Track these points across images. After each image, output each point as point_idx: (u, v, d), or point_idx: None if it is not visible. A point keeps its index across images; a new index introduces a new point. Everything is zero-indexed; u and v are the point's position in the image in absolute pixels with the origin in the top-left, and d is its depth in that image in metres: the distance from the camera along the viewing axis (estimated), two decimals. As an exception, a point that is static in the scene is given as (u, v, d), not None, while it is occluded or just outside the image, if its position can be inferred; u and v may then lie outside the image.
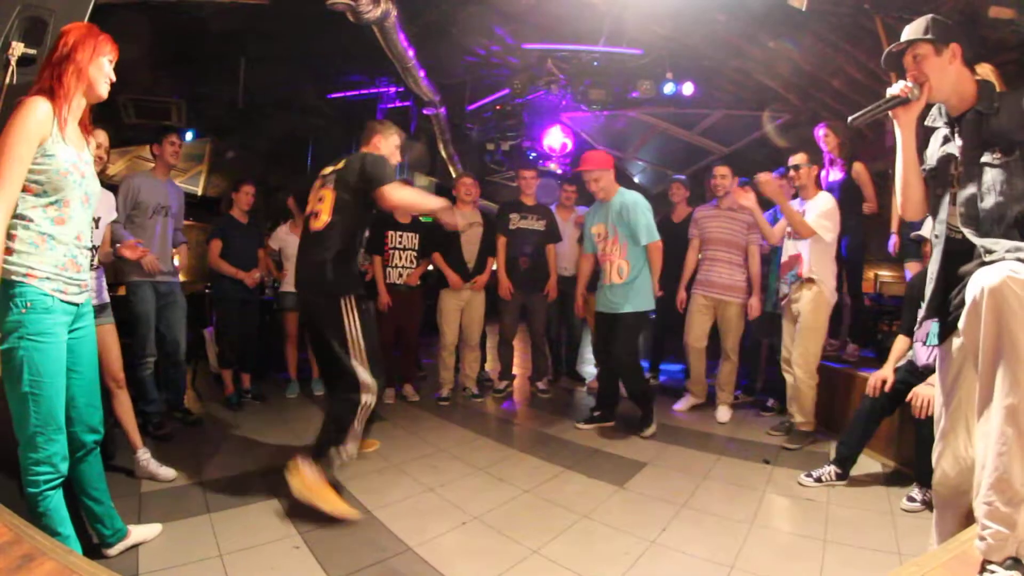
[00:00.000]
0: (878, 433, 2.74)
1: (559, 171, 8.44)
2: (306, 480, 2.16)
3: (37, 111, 1.45)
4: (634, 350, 3.50)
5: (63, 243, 1.53)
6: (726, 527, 2.23)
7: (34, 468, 1.49)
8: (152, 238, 3.19)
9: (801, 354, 3.15)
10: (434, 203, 2.44)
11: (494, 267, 4.26)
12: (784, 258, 3.31)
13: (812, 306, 3.11)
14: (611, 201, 3.41)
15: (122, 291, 3.23)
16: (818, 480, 2.63)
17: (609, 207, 3.42)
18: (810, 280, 3.11)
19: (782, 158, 3.47)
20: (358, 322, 2.31)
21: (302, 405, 4.06)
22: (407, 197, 2.40)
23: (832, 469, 2.64)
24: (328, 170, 2.47)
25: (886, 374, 2.64)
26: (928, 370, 2.56)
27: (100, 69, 1.60)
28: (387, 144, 2.58)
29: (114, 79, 1.66)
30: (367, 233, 4.08)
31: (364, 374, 2.29)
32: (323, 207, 2.36)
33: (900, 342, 2.76)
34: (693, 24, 5.07)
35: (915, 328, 2.71)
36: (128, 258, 2.67)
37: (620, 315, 3.34)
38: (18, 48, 1.83)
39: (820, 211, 3.05)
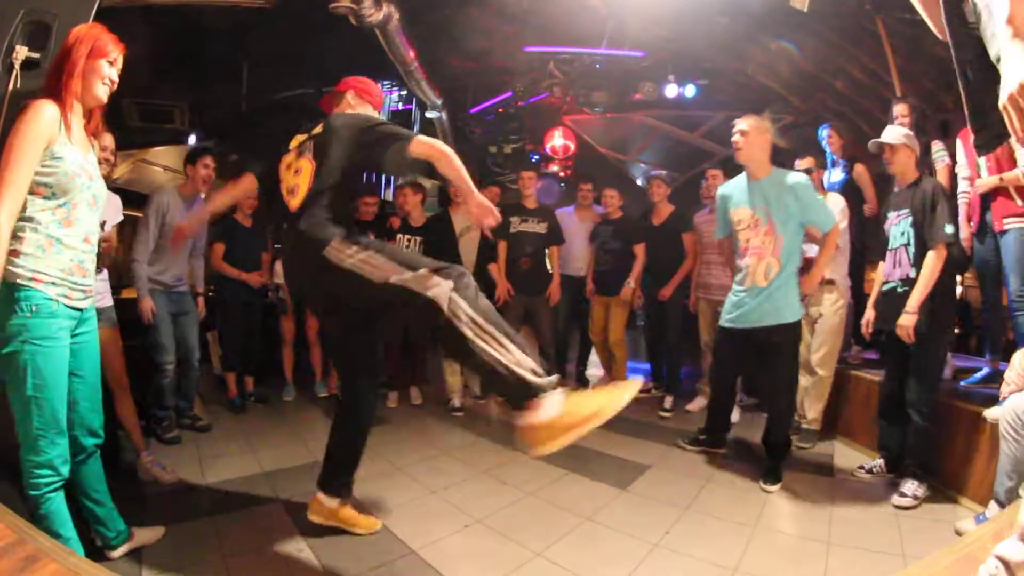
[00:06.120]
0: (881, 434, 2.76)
1: (561, 173, 8.44)
2: None
3: (44, 113, 1.45)
4: (795, 379, 2.85)
5: (70, 247, 1.53)
6: (730, 530, 2.22)
7: (35, 471, 1.50)
8: (169, 254, 3.17)
9: (826, 354, 3.18)
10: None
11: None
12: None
13: (833, 308, 3.14)
14: (761, 181, 2.66)
15: (125, 294, 3.23)
16: (870, 472, 2.72)
17: (760, 187, 2.66)
18: (830, 282, 3.12)
19: (784, 159, 3.46)
20: None
21: (304, 408, 4.05)
22: None
23: (881, 462, 2.73)
24: None
25: (868, 315, 2.78)
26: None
27: (96, 72, 1.57)
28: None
29: (116, 81, 1.64)
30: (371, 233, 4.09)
31: None
32: None
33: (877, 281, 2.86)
34: (695, 26, 5.08)
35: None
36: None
37: (776, 328, 2.62)
38: (22, 52, 1.84)
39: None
